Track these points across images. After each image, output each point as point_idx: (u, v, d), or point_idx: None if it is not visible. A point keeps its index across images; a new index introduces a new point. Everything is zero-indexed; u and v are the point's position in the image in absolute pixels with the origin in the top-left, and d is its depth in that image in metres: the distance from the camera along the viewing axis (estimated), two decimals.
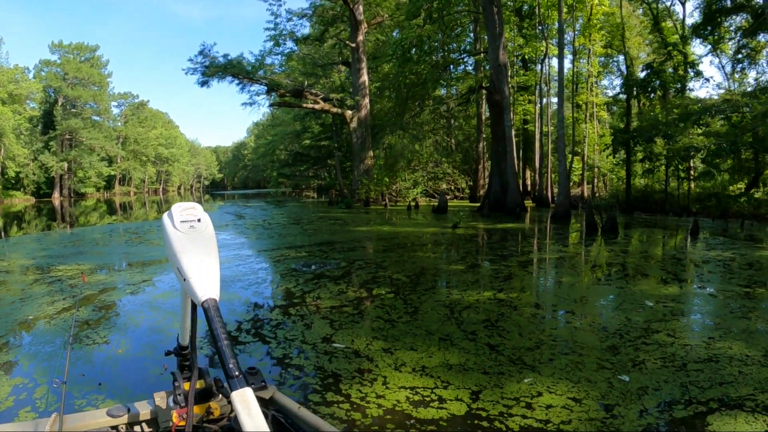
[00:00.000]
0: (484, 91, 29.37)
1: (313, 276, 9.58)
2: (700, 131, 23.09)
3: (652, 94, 30.36)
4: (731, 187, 26.06)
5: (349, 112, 36.18)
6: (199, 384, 1.85)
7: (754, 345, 5.84)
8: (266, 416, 1.85)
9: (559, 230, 19.70)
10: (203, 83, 35.32)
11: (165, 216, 1.59)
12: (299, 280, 9.22)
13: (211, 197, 75.03)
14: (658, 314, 7.19)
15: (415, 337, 5.98)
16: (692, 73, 28.24)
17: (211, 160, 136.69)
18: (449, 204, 29.19)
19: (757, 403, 4.32)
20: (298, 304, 7.55)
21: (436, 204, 27.24)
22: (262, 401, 2.15)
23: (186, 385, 1.81)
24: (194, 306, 1.57)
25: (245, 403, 1.26)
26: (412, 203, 29.56)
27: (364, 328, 6.36)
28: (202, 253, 1.52)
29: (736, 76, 31.92)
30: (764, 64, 29.01)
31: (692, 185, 27.63)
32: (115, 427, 1.93)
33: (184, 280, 1.46)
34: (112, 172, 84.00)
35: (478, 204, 30.03)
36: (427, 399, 4.30)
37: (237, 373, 1.32)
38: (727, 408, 4.23)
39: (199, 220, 1.60)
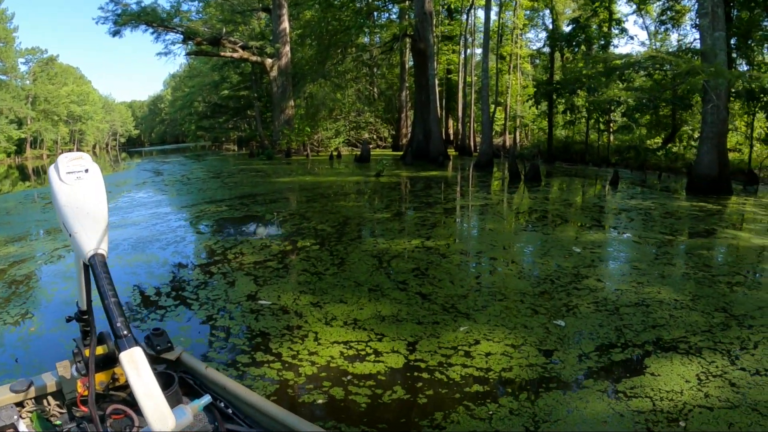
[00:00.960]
0: (408, 40, 29.25)
1: (233, 230, 9.11)
2: (622, 86, 23.98)
3: (576, 49, 31.18)
4: (649, 141, 27.59)
5: (269, 61, 34.92)
6: (102, 349, 1.76)
7: (681, 290, 6.08)
8: (172, 378, 1.83)
9: (483, 178, 20.03)
10: (115, 33, 33.12)
11: (51, 168, 1.50)
12: (220, 237, 8.70)
13: (128, 155, 70.59)
14: (586, 260, 7.36)
15: (344, 290, 5.73)
16: (617, 31, 29.23)
17: (127, 116, 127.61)
18: (372, 153, 29.12)
19: (690, 345, 4.45)
20: (219, 261, 7.07)
21: (359, 153, 27.15)
22: (169, 362, 2.11)
23: (87, 352, 1.70)
24: (86, 265, 1.46)
25: (134, 363, 1.19)
26: (335, 153, 29.28)
27: (291, 282, 6.03)
28: (90, 206, 1.45)
29: (659, 36, 33.41)
30: (687, 27, 30.49)
31: (612, 138, 28.95)
32: (20, 403, 1.89)
33: (70, 235, 1.41)
34: (23, 135, 76.37)
35: (401, 153, 30.20)
36: (362, 353, 4.08)
37: (125, 332, 1.25)
38: (662, 350, 4.33)
39: (86, 171, 1.50)
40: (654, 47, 31.08)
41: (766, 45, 22.35)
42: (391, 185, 16.28)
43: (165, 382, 1.74)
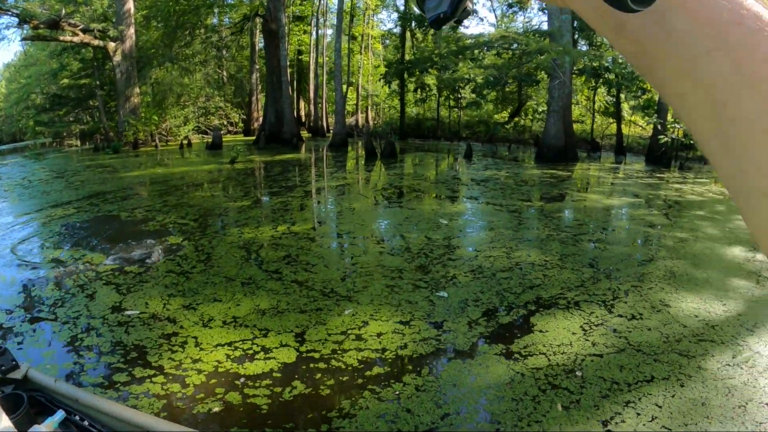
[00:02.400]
0: (259, 20, 28.51)
1: (85, 234, 8.09)
2: (472, 65, 25.53)
3: (426, 29, 32.61)
4: (496, 116, 29.78)
5: (112, 45, 31.78)
6: None
7: (548, 251, 6.56)
8: (21, 398, 1.71)
9: (339, 158, 20.15)
10: None
11: None
12: (69, 244, 7.68)
13: None
14: (454, 231, 7.68)
15: (216, 287, 5.34)
16: None
17: None
18: (224, 140, 28.13)
19: (568, 300, 4.81)
20: (74, 272, 6.23)
21: (210, 141, 26.14)
22: (16, 382, 1.96)
23: None
24: None
25: None
26: (185, 142, 27.64)
27: (157, 286, 5.47)
28: None
29: (506, 19, 36.00)
30: (534, 11, 33.22)
31: (461, 114, 30.65)
32: None
33: None
34: None
35: (254, 138, 29.60)
36: (250, 352, 3.82)
37: None
38: (544, 308, 4.62)
39: None
40: (501, 28, 33.35)
41: None
42: (247, 171, 15.75)
43: (13, 404, 1.61)
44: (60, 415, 1.53)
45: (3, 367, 1.92)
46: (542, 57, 16.72)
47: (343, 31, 30.93)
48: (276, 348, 3.89)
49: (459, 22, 0.52)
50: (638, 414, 3.06)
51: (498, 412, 3.08)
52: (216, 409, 3.14)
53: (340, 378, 3.46)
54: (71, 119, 53.22)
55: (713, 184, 12.94)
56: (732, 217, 8.83)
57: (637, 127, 25.02)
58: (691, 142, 14.26)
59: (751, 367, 3.56)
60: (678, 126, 14.16)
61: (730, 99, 0.35)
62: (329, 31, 40.45)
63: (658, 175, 14.97)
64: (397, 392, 3.26)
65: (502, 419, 3.02)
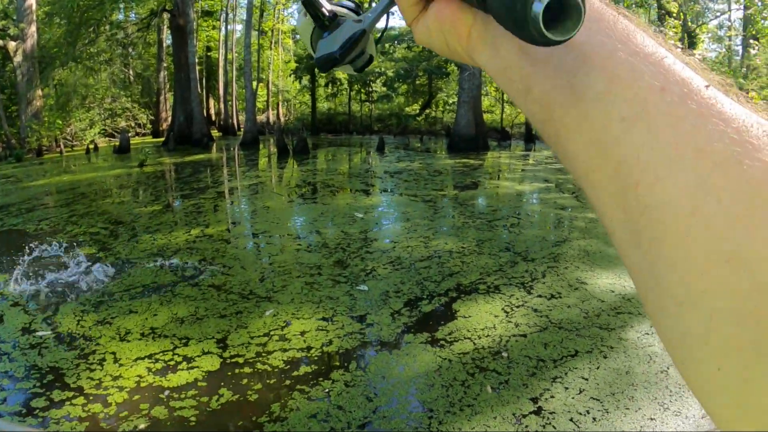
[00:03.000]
0: (167, 15, 27.36)
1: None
2: (382, 57, 25.77)
3: None
4: (407, 108, 30.28)
5: (12, 44, 29.10)
6: None
7: (464, 238, 6.67)
8: None
9: (251, 156, 19.74)
10: None
11: None
12: None
13: None
14: (370, 223, 7.67)
15: (131, 298, 5.02)
16: None
17: None
18: (131, 142, 26.85)
19: (488, 284, 4.89)
20: None
21: (118, 144, 24.89)
22: None
23: None
24: None
25: None
26: (91, 146, 26.05)
27: (68, 302, 5.07)
28: None
29: None
30: None
31: (373, 107, 30.91)
32: None
33: None
34: None
35: (163, 139, 28.50)
36: (172, 363, 3.60)
37: None
38: (465, 294, 4.68)
39: None
40: None
41: None
42: (156, 174, 15.07)
43: None
44: None
45: None
46: None
47: (253, 26, 30.39)
48: (198, 356, 3.69)
49: (360, 70, 0.49)
50: (566, 388, 3.16)
51: (429, 400, 3.07)
52: (142, 426, 2.94)
53: (268, 381, 3.34)
54: None
55: None
56: None
57: None
58: None
59: None
60: None
61: (644, 179, 0.28)
62: (239, 27, 39.60)
63: None
64: (327, 390, 3.19)
65: (434, 406, 3.01)
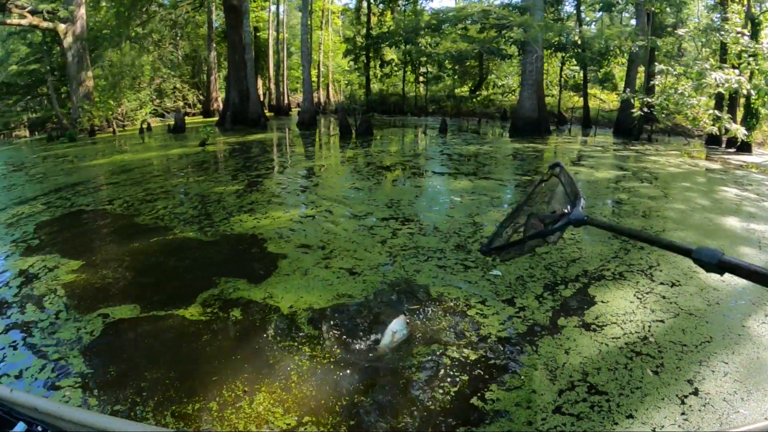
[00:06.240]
0: None
1: (51, 231, 7.54)
2: (440, 39, 25.90)
3: (381, 5, 32.73)
4: (457, 90, 30.25)
5: (62, 27, 29.97)
6: None
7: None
8: None
9: (311, 136, 20.25)
10: None
11: None
12: (37, 243, 7.11)
13: None
14: (470, 208, 7.87)
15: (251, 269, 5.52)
16: None
17: None
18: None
19: (612, 272, 5.20)
20: (35, 278, 5.57)
21: (172, 123, 25.36)
22: None
23: None
24: None
25: None
26: (144, 126, 26.79)
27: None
28: None
29: None
30: None
31: (426, 88, 31.10)
32: None
33: None
34: None
35: (216, 119, 29.02)
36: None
37: None
38: (595, 280, 4.98)
39: None
40: (473, 2, 33.62)
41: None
42: (224, 154, 15.45)
43: None
44: (21, 426, 1.42)
45: None
46: (527, 32, 17.03)
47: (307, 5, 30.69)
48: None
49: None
50: (713, 371, 3.44)
51: (601, 383, 3.38)
52: None
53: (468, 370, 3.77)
54: (20, 109, 50.30)
55: (685, 156, 13.76)
56: (714, 187, 9.53)
57: (597, 100, 25.90)
58: (663, 113, 14.97)
59: None
60: (645, 99, 14.76)
61: None
62: (282, 8, 40.03)
63: (633, 147, 15.76)
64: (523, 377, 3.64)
65: (606, 389, 3.34)
